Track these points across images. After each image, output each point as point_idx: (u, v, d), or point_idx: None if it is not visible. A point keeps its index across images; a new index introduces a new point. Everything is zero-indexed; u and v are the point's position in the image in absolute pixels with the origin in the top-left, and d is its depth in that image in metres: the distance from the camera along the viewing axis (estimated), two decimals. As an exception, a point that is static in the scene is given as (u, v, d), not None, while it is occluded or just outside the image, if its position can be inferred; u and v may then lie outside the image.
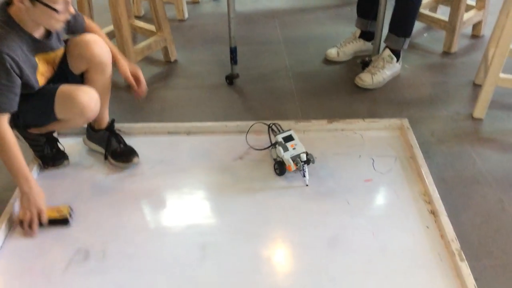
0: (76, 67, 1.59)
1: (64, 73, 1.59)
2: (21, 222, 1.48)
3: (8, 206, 1.54)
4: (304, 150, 1.65)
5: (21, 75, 1.39)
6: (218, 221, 1.52)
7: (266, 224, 1.51)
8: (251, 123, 1.90)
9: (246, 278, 1.34)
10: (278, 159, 1.66)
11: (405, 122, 1.88)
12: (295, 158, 1.62)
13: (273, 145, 1.70)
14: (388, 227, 1.48)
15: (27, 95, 1.44)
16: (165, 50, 2.41)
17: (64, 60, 1.58)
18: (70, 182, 1.68)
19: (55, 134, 1.75)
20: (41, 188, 1.50)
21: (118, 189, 1.65)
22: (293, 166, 1.61)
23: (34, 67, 1.45)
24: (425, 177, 1.61)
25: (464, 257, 1.34)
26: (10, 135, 1.39)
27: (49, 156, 1.70)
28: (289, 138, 1.68)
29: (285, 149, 1.65)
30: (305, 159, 1.62)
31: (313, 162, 1.66)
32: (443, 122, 1.99)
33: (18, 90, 1.39)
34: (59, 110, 1.50)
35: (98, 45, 1.56)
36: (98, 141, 1.77)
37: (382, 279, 1.33)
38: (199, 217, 1.54)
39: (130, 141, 1.85)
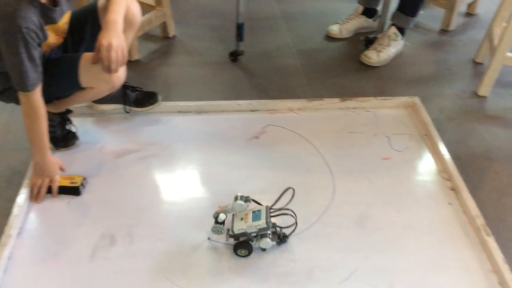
0: None
1: (80, 38, 1.54)
2: (31, 188, 1.48)
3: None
4: (237, 232, 1.30)
5: (40, 44, 1.32)
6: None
7: (292, 204, 1.49)
8: (263, 102, 1.88)
9: (274, 259, 1.34)
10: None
11: (417, 100, 1.90)
12: (220, 217, 1.33)
13: (244, 200, 1.35)
14: (411, 204, 1.51)
15: (47, 66, 1.37)
16: (164, 25, 2.33)
17: (79, 26, 1.51)
18: (83, 165, 1.61)
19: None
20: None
21: (134, 171, 1.60)
22: (216, 213, 1.35)
23: (46, 38, 1.36)
24: (442, 154, 1.65)
25: (489, 232, 1.38)
26: (43, 107, 1.38)
27: (60, 137, 1.63)
28: (257, 215, 1.31)
29: (238, 210, 1.34)
30: (221, 220, 1.32)
31: (239, 252, 1.32)
32: (449, 99, 2.02)
33: (41, 60, 1.34)
34: (84, 77, 1.44)
35: (135, 4, 1.52)
36: (111, 100, 1.75)
37: (413, 256, 1.35)
38: (223, 199, 1.51)
39: (138, 119, 1.80)
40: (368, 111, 1.89)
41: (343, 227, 1.43)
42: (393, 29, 2.19)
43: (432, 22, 2.55)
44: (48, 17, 1.33)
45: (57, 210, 1.46)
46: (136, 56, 2.18)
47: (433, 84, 2.11)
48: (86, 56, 1.44)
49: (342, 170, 1.61)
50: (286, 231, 1.37)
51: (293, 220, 1.37)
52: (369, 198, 1.53)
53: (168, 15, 2.29)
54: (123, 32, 1.44)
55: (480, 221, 1.42)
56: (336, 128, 1.80)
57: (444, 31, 2.49)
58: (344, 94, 1.98)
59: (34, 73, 1.30)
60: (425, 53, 2.32)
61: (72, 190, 1.50)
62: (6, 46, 1.26)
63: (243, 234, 1.31)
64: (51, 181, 1.48)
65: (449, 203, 1.51)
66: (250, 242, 1.32)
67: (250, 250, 1.33)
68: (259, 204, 1.40)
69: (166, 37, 2.37)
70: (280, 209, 1.38)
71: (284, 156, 1.67)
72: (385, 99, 1.91)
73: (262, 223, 1.29)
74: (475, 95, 2.04)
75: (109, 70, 1.38)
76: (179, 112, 1.86)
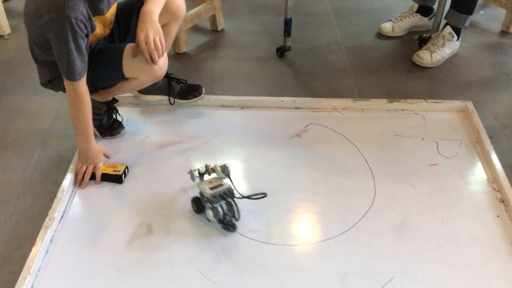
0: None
1: (126, 29, 1.58)
2: (76, 174, 1.53)
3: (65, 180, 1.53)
4: (198, 187, 1.42)
5: (87, 34, 1.36)
6: (283, 200, 1.48)
7: (330, 207, 1.47)
8: (307, 100, 1.85)
9: (314, 262, 1.32)
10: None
11: (470, 104, 1.81)
12: (200, 169, 1.47)
13: (222, 170, 1.44)
14: (457, 214, 1.44)
15: (93, 56, 1.41)
16: (213, 19, 2.34)
17: (126, 17, 1.55)
18: (126, 153, 1.64)
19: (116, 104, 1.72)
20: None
21: (175, 163, 1.62)
22: (206, 166, 1.46)
23: (93, 29, 1.40)
24: (494, 163, 1.56)
25: (540, 250, 1.30)
26: (88, 96, 1.43)
27: (106, 126, 1.67)
28: (216, 187, 1.38)
29: (217, 175, 1.44)
30: (201, 172, 1.47)
31: (192, 205, 1.44)
32: (505, 105, 1.91)
33: (87, 50, 1.38)
34: (128, 68, 1.48)
35: None
36: (157, 91, 1.79)
37: (454, 269, 1.29)
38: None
39: (182, 112, 1.82)
40: (417, 114, 1.82)
41: (382, 233, 1.38)
42: (449, 29, 2.09)
43: (491, 23, 2.42)
44: (96, 9, 1.36)
45: (99, 197, 1.50)
46: (184, 49, 2.20)
47: (488, 89, 2.00)
48: (129, 48, 1.47)
49: (385, 174, 1.56)
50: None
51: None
52: (411, 205, 1.47)
53: (218, 9, 2.30)
54: (166, 25, 1.46)
55: (530, 237, 1.33)
56: (381, 130, 1.75)
57: (504, 32, 2.36)
58: (393, 95, 1.91)
59: (80, 63, 1.34)
60: (482, 56, 2.20)
61: (115, 178, 1.53)
62: (55, 36, 1.30)
63: (201, 193, 1.40)
64: (95, 167, 1.52)
65: (497, 216, 1.43)
66: (204, 204, 1.40)
67: (199, 209, 1.42)
68: (232, 184, 1.43)
69: (214, 31, 2.38)
70: (236, 197, 1.40)
71: (325, 156, 1.64)
72: (436, 102, 1.83)
73: (209, 193, 1.36)
74: (535, 102, 1.92)
75: (150, 61, 1.42)
76: (222, 106, 1.86)
